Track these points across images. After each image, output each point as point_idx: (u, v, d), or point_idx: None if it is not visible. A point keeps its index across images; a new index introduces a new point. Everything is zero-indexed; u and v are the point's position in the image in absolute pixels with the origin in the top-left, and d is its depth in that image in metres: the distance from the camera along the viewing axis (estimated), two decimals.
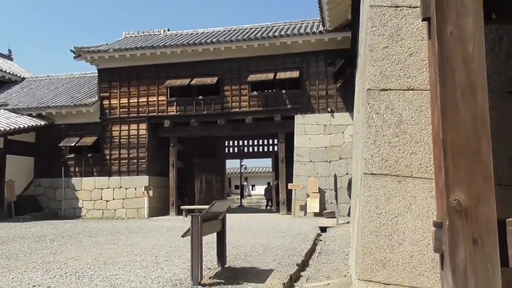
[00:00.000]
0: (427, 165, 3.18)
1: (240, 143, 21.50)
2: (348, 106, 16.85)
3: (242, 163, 28.77)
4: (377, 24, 3.61)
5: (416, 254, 3.03)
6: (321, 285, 4.83)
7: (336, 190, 13.25)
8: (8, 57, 27.00)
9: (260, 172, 34.21)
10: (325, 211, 15.91)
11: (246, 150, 21.39)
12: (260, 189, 34.31)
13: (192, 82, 17.93)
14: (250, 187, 33.37)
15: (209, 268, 6.09)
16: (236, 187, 33.75)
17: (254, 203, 31.54)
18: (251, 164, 33.75)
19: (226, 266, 6.21)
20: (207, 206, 16.39)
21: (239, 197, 29.38)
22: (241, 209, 25.20)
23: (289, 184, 16.58)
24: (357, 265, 3.42)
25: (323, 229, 12.34)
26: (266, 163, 43.12)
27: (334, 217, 15.53)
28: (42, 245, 8.90)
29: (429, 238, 2.98)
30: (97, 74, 21.51)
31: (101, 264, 6.58)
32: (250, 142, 21.31)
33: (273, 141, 21.13)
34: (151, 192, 17.54)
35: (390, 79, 3.50)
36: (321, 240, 10.22)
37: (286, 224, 13.15)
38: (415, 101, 3.40)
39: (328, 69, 17.25)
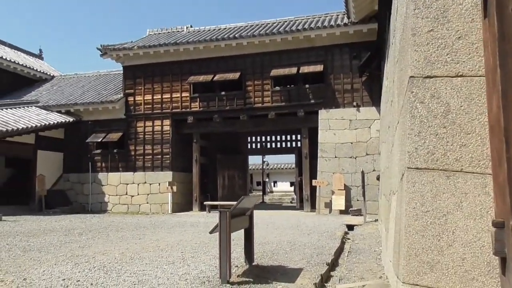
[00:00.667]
0: (480, 159, 2.92)
1: (263, 138, 21.32)
2: (374, 100, 16.42)
3: (264, 159, 28.59)
4: (420, 6, 3.35)
5: (468, 256, 2.78)
6: (355, 287, 4.61)
7: (363, 187, 12.91)
8: (39, 56, 27.68)
9: (282, 168, 33.99)
10: (351, 209, 15.58)
11: (268, 146, 21.19)
12: (282, 186, 34.12)
13: (215, 78, 17.86)
14: (272, 184, 33.19)
15: (237, 266, 5.96)
16: (258, 183, 33.66)
17: (276, 200, 31.38)
18: (273, 160, 33.62)
19: (253, 264, 6.06)
20: (230, 202, 16.34)
21: (261, 193, 29.24)
22: (263, 205, 25.08)
23: (313, 181, 16.31)
24: (400, 267, 3.19)
25: (350, 227, 12.06)
26: (288, 159, 42.86)
27: (361, 215, 15.19)
28: (71, 238, 8.99)
29: (483, 239, 2.74)
30: (122, 71, 21.92)
31: (128, 259, 6.55)
32: (273, 138, 21.09)
33: (296, 137, 20.87)
34: (174, 188, 17.61)
35: (435, 65, 3.24)
36: (349, 239, 9.95)
37: (311, 222, 12.92)
38: (465, 89, 3.13)
39: (353, 63, 16.84)
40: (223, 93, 18.20)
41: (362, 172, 12.97)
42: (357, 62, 16.75)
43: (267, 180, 31.66)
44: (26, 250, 7.40)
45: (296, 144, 20.76)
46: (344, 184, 16.03)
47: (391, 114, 7.12)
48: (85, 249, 7.57)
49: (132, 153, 19.05)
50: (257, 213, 16.26)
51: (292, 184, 33.95)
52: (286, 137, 20.90)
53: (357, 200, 16.00)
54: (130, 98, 19.37)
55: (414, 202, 3.12)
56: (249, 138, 21.51)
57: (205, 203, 17.88)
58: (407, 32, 3.57)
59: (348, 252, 7.66)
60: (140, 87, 19.32)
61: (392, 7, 6.88)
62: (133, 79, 19.42)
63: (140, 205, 18.64)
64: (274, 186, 33.46)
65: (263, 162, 28.77)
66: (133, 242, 8.44)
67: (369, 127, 16.38)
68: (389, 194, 6.35)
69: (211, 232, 5.41)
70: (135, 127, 19.14)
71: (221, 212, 5.02)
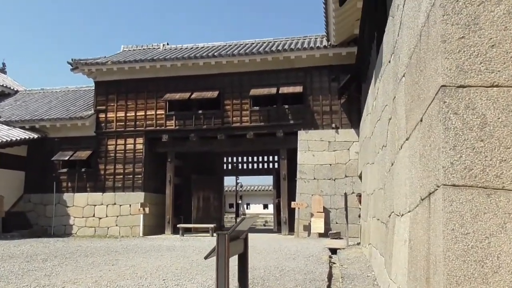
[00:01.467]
0: None
1: (239, 159, 20.86)
2: (353, 122, 16.47)
3: (238, 181, 28.05)
4: (449, 12, 3.12)
5: None
6: None
7: (346, 209, 12.67)
8: (2, 70, 26.32)
9: (255, 190, 33.50)
10: (330, 232, 15.27)
11: (245, 166, 20.74)
12: (255, 208, 33.56)
13: (192, 96, 17.43)
14: (245, 206, 32.57)
15: None
16: (231, 205, 32.95)
17: None
18: (246, 182, 33.12)
19: None
20: (204, 225, 15.59)
21: (234, 215, 28.55)
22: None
23: (293, 203, 15.95)
24: None
25: (333, 251, 11.71)
26: (261, 181, 42.39)
27: (340, 238, 14.94)
28: (34, 265, 8.10)
29: None
30: (92, 88, 21.03)
31: None
32: (249, 158, 20.68)
33: (273, 158, 20.57)
34: (147, 210, 16.74)
35: (469, 74, 3.00)
36: (335, 263, 9.58)
37: (292, 245, 12.47)
38: (501, 99, 2.88)
39: (332, 85, 16.91)
40: (200, 111, 17.74)
41: (345, 194, 12.75)
42: (335, 84, 16.84)
43: (239, 202, 30.99)
44: None
45: (274, 165, 20.44)
46: (324, 207, 15.75)
47: (384, 134, 6.93)
48: (52, 277, 6.78)
49: (102, 172, 18.07)
50: None
51: (265, 206, 33.50)
52: (263, 158, 20.55)
53: (336, 223, 15.74)
54: (102, 115, 18.53)
55: (452, 223, 2.79)
56: (225, 158, 21.01)
57: (178, 225, 17.07)
58: (434, 40, 3.34)
59: (341, 277, 7.26)
60: (112, 104, 18.55)
61: (387, 26, 6.79)
62: (106, 95, 18.65)
63: (108, 227, 17.55)
64: (247, 208, 32.83)
65: (237, 183, 28.22)
66: (106, 269, 7.69)
67: (348, 149, 16.33)
68: (389, 216, 6.07)
69: (206, 258, 4.86)
70: (105, 145, 18.25)
71: (219, 235, 4.51)
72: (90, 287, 5.95)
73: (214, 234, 17.23)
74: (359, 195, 14.74)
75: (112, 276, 6.87)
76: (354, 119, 16.52)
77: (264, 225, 29.72)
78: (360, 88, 16.12)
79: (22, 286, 5.98)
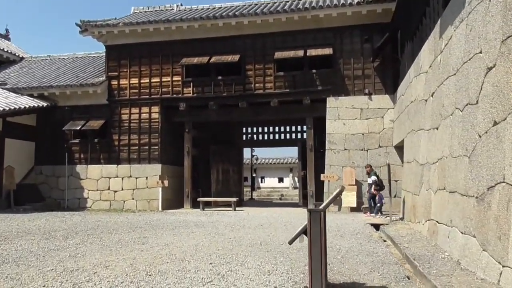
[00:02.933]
0: None
1: (259, 129, 19.64)
2: (388, 88, 15.14)
3: (253, 153, 26.96)
4: None
5: None
6: None
7: (390, 181, 11.54)
8: (5, 36, 24.86)
9: (270, 163, 32.45)
10: (363, 206, 14.24)
11: (266, 137, 19.53)
12: (270, 181, 32.66)
13: (211, 60, 16.07)
14: (260, 179, 31.64)
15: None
16: (245, 178, 31.97)
17: (264, 196, 29.90)
18: (261, 154, 32.03)
19: (329, 282, 4.47)
20: (225, 199, 14.54)
21: (249, 189, 27.64)
22: (253, 202, 23.57)
23: (322, 175, 14.86)
24: None
25: (376, 227, 10.71)
26: (277, 154, 41.37)
27: (373, 213, 13.92)
28: (55, 243, 7.10)
29: None
30: (102, 54, 19.78)
31: (144, 275, 4.83)
32: (270, 129, 19.43)
33: (296, 128, 19.37)
34: (166, 182, 15.74)
35: None
36: (385, 241, 8.53)
37: (328, 221, 11.41)
38: None
39: (365, 46, 15.46)
40: (220, 77, 16.42)
41: (389, 165, 11.60)
42: (368, 46, 15.39)
43: (254, 175, 30.05)
44: None
45: (297, 135, 19.27)
46: (355, 179, 14.66)
47: (474, 88, 5.67)
48: (79, 259, 5.76)
49: (116, 143, 16.99)
50: (257, 211, 14.70)
51: (280, 179, 32.57)
52: (285, 128, 19.32)
53: None
54: (114, 82, 17.27)
55: None
56: (244, 128, 19.81)
57: (199, 199, 16.10)
58: None
59: (413, 259, 6.18)
60: (125, 70, 17.24)
61: None
62: (118, 60, 17.32)
63: (124, 201, 16.63)
64: (261, 181, 31.91)
65: (252, 156, 27.15)
66: (137, 249, 6.67)
67: (382, 116, 15.06)
68: (487, 189, 4.90)
69: (291, 242, 3.75)
70: (119, 114, 17.08)
71: (311, 211, 3.39)
72: (127, 272, 4.93)
73: (237, 208, 16.42)
74: (369, 166, 13.64)
75: (148, 258, 5.85)
76: (388, 84, 15.17)
77: (280, 199, 28.86)
78: (396, 48, 14.72)
79: (47, 272, 4.96)
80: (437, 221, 7.62)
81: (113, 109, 17.15)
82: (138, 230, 9.17)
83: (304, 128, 18.58)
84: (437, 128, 8.01)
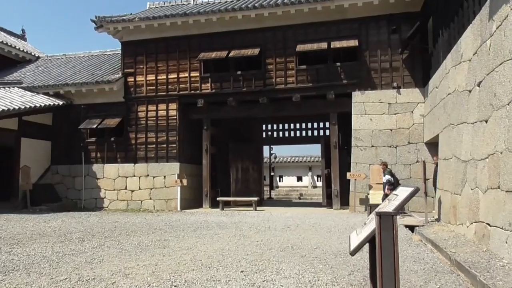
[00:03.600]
0: None
1: (280, 126, 18.93)
2: (417, 81, 14.28)
3: (272, 152, 26.27)
4: None
5: None
6: None
7: (425, 180, 10.73)
8: (21, 37, 24.72)
9: (288, 162, 31.72)
10: None
11: (286, 134, 18.80)
12: (288, 180, 31.94)
13: (230, 55, 15.45)
14: (278, 178, 30.94)
15: None
16: (263, 177, 31.31)
17: (282, 195, 29.20)
18: (278, 153, 31.33)
19: None
20: (245, 198, 13.85)
21: (268, 188, 26.95)
22: (272, 201, 22.88)
23: (348, 174, 14.09)
24: None
25: (410, 229, 9.94)
26: (295, 152, 40.73)
27: (405, 213, 13.10)
28: (70, 247, 6.57)
29: None
30: (117, 52, 19.41)
31: (169, 285, 4.21)
32: (291, 126, 18.70)
33: (318, 125, 18.61)
34: (185, 181, 15.20)
35: None
36: (425, 244, 7.76)
37: (359, 222, 10.67)
38: None
39: (392, 37, 14.62)
40: (239, 72, 15.79)
41: (424, 162, 10.76)
42: (396, 37, 14.55)
43: (272, 174, 29.34)
44: (7, 270, 4.98)
45: (319, 132, 18.50)
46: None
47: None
48: (95, 265, 5.19)
49: (133, 141, 16.54)
50: (282, 212, 14.02)
51: (299, 178, 31.80)
52: (307, 125, 18.55)
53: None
54: (130, 79, 16.82)
55: None
56: (264, 126, 19.14)
57: (218, 199, 15.51)
58: None
59: (470, 268, 5.42)
60: (141, 66, 16.78)
61: None
62: (134, 57, 16.87)
63: (142, 201, 16.17)
64: (279, 180, 31.21)
65: (271, 154, 26.46)
66: (158, 253, 6.08)
67: (412, 111, 14.21)
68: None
69: (353, 253, 3.08)
70: (136, 112, 16.62)
71: (381, 215, 2.70)
72: (149, 282, 4.31)
73: (258, 208, 15.78)
74: (384, 164, 12.85)
75: (171, 265, 5.24)
76: (418, 77, 14.31)
77: (299, 198, 28.11)
78: (425, 39, 13.86)
79: (59, 281, 4.39)
80: (488, 224, 6.82)
81: (129, 106, 16.70)
82: (157, 232, 8.61)
83: (327, 124, 17.83)
84: (486, 121, 7.20)
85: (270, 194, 26.51)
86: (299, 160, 31.44)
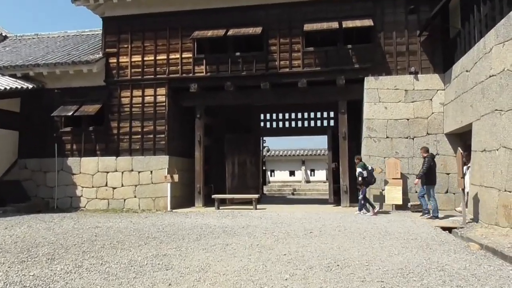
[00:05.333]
0: None
1: (280, 116, 17.22)
2: (437, 66, 12.87)
3: (264, 144, 24.54)
4: None
5: None
6: None
7: (463, 174, 9.24)
8: None
9: (280, 155, 30.11)
10: (411, 203, 12.02)
11: (287, 124, 17.08)
12: (280, 175, 30.37)
13: (229, 33, 13.63)
14: (269, 173, 29.33)
15: None
16: None
17: (275, 191, 27.64)
18: (271, 145, 29.68)
19: None
20: (244, 196, 12.11)
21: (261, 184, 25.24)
22: (267, 198, 21.26)
23: None
24: None
25: (448, 231, 8.50)
26: (288, 145, 39.31)
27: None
28: (34, 272, 4.72)
29: None
30: (97, 32, 17.35)
31: None
32: (293, 115, 17.01)
33: (321, 114, 17.04)
34: (176, 177, 13.37)
35: None
36: (485, 252, 6.25)
37: (381, 223, 9.15)
38: None
39: (409, 18, 13.12)
40: (238, 54, 14.00)
41: (461, 154, 9.24)
42: (414, 18, 13.06)
43: (264, 168, 27.69)
44: None
45: (323, 122, 16.90)
46: (400, 172, 12.39)
47: None
48: None
49: (115, 131, 14.55)
50: (288, 211, 12.37)
51: (291, 173, 30.26)
52: (310, 115, 16.91)
53: (416, 192, 12.39)
54: (113, 59, 14.78)
55: None
56: (262, 115, 17.39)
57: (214, 196, 13.76)
58: None
59: None
60: (126, 45, 14.76)
61: None
62: (117, 35, 14.82)
63: (125, 199, 14.23)
64: (271, 175, 29.59)
65: (263, 147, 24.72)
66: (162, 281, 4.32)
67: (431, 99, 12.77)
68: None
69: None
70: (118, 97, 14.62)
71: None
72: None
73: (258, 206, 14.09)
74: (358, 158, 11.96)
75: None
76: (438, 62, 12.89)
77: (293, 194, 26.62)
78: (447, 18, 12.42)
79: None
80: None
81: (111, 91, 14.68)
82: (152, 242, 6.81)
83: (332, 114, 16.33)
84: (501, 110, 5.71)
85: (262, 189, 24.85)
86: (291, 153, 29.86)
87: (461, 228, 8.64)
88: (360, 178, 11.32)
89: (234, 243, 6.58)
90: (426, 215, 10.33)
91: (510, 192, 7.53)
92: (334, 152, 14.52)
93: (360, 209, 11.44)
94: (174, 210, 13.22)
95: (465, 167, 10.37)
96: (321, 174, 29.52)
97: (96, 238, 7.20)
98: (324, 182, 28.76)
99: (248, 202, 14.52)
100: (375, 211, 11.19)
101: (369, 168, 11.66)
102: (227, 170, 15.47)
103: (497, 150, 8.16)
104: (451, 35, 12.46)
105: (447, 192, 12.20)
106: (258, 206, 13.69)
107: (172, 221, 9.87)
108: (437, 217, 10.03)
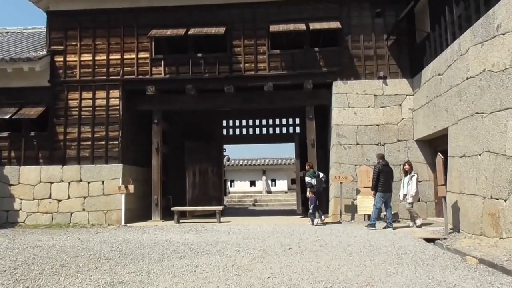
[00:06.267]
0: None
1: (243, 122, 16.34)
2: (404, 70, 12.70)
3: (224, 153, 23.58)
4: None
5: None
6: None
7: (445, 182, 8.85)
8: None
9: (241, 165, 29.23)
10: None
11: (251, 131, 16.22)
12: (240, 186, 29.46)
13: (190, 32, 12.68)
14: (229, 183, 28.32)
15: None
16: None
17: (235, 202, 26.63)
18: (231, 154, 28.75)
19: None
20: (206, 208, 11.04)
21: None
22: (228, 209, 20.25)
23: (334, 176, 12.00)
24: None
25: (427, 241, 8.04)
26: (248, 154, 38.49)
27: (399, 221, 11.35)
28: None
29: None
30: (41, 30, 15.78)
31: None
32: (257, 121, 16.20)
33: (286, 121, 16.39)
34: (131, 188, 12.07)
35: None
36: (489, 268, 5.74)
37: (360, 236, 8.53)
38: None
39: (376, 21, 12.90)
40: (199, 55, 13.06)
41: (441, 159, 8.83)
42: (381, 21, 12.85)
43: (224, 178, 26.66)
44: None
45: (288, 129, 16.25)
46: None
47: None
48: None
49: (61, 137, 13.01)
50: (255, 223, 11.43)
51: (252, 183, 29.46)
52: (274, 121, 16.17)
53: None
54: (59, 58, 13.28)
55: None
56: (225, 121, 16.46)
57: (173, 209, 12.58)
58: None
59: None
60: (74, 43, 13.33)
61: None
62: (64, 31, 13.37)
63: (72, 213, 12.68)
64: (231, 185, 28.58)
65: (223, 156, 23.73)
66: None
67: (400, 104, 12.53)
68: None
69: None
70: (65, 100, 13.12)
71: None
72: None
73: (222, 219, 13.01)
74: (309, 165, 11.59)
75: None
76: (405, 66, 12.72)
77: (254, 205, 25.77)
78: (413, 22, 12.32)
79: None
80: None
81: (57, 93, 13.16)
82: (105, 265, 5.65)
83: (297, 121, 15.76)
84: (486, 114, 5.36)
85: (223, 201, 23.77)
86: (252, 163, 29.08)
87: (444, 239, 8.20)
88: (308, 187, 11.00)
89: (205, 264, 5.59)
90: (371, 227, 9.89)
91: (497, 199, 7.15)
92: (302, 161, 13.87)
93: (312, 220, 10.98)
94: (128, 225, 11.89)
95: (407, 177, 10.20)
96: (282, 184, 28.98)
97: (34, 261, 5.92)
98: (286, 193, 28.27)
99: (210, 214, 13.54)
100: (323, 219, 11.10)
101: (320, 175, 11.30)
102: (187, 181, 14.34)
103: (480, 155, 7.82)
104: (418, 39, 12.35)
105: (419, 200, 11.88)
106: (222, 219, 12.68)
107: (127, 237, 8.64)
108: (391, 227, 9.73)
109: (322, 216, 11.27)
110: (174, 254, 6.43)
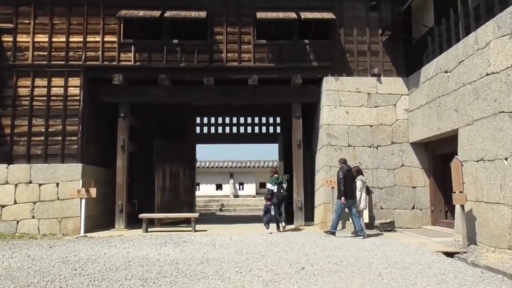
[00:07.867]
0: None
1: (219, 120, 14.85)
2: (400, 68, 11.89)
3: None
4: None
5: None
6: None
7: (462, 186, 7.92)
8: None
9: (207, 167, 27.59)
10: (381, 222, 10.62)
11: (228, 130, 14.75)
12: (206, 189, 27.84)
13: (166, 15, 11.15)
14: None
15: None
16: None
17: (201, 207, 24.97)
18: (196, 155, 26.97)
19: None
20: (176, 215, 8.36)
21: None
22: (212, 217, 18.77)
23: (324, 180, 10.89)
24: None
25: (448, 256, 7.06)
26: (216, 156, 36.97)
27: (394, 230, 10.47)
28: None
29: None
30: None
31: None
32: (234, 120, 14.77)
33: (267, 120, 15.13)
34: (93, 191, 10.29)
35: None
36: None
37: (371, 249, 7.43)
38: None
39: (370, 15, 12.00)
40: (176, 41, 11.53)
41: (459, 162, 7.90)
42: (375, 15, 11.97)
43: None
44: None
45: (268, 129, 14.97)
46: (366, 186, 10.95)
47: None
48: None
49: (7, 131, 10.97)
50: (239, 232, 9.94)
51: (218, 187, 27.92)
52: (253, 120, 14.75)
53: (382, 209, 11.13)
54: (7, 38, 11.24)
55: None
56: (198, 118, 14.90)
57: (141, 216, 10.91)
58: None
59: None
60: (27, 21, 11.35)
61: None
62: (14, 6, 11.36)
63: (19, 221, 10.67)
64: (197, 189, 26.84)
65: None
66: None
67: (395, 104, 11.67)
68: None
69: None
70: (14, 87, 11.10)
71: None
72: None
73: (196, 227, 11.46)
74: (274, 171, 11.13)
75: None
76: (400, 64, 11.92)
77: (221, 210, 24.30)
78: (409, 15, 11.57)
79: None
80: None
81: (4, 78, 11.12)
82: None
83: (278, 120, 14.59)
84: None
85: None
86: (219, 165, 27.53)
87: (464, 252, 7.26)
88: (269, 194, 10.52)
89: None
90: (331, 234, 9.21)
91: None
92: (286, 163, 12.67)
93: (277, 227, 10.51)
94: (89, 235, 10.10)
95: (358, 182, 9.46)
96: (250, 188, 27.70)
97: None
98: (254, 197, 27.00)
99: (180, 222, 12.07)
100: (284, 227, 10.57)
101: (284, 184, 10.58)
102: (156, 184, 12.67)
103: (506, 159, 6.96)
104: (415, 35, 11.59)
105: (413, 208, 11.06)
106: (197, 227, 11.18)
107: (91, 253, 6.97)
108: (361, 236, 9.00)
109: (283, 223, 10.60)
110: (160, 279, 4.95)
